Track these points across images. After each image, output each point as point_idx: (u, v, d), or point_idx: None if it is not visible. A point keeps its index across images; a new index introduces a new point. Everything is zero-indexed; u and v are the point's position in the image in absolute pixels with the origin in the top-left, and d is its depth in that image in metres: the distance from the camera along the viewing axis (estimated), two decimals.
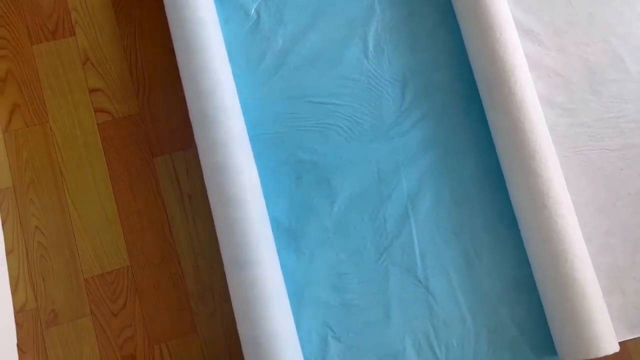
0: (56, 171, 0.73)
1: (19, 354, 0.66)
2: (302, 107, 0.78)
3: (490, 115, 0.77)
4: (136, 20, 0.80)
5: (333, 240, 0.74)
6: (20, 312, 0.68)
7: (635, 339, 0.72)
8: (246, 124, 0.74)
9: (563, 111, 0.83)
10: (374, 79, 0.80)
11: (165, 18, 0.75)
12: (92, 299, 0.71)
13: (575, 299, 0.69)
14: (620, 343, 0.70)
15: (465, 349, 0.70)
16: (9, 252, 0.71)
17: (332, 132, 0.77)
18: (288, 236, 0.72)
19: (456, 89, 0.82)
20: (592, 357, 0.67)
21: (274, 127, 0.77)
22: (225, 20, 0.79)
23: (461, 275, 0.75)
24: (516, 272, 0.76)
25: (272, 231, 0.70)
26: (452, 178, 0.79)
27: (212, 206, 0.65)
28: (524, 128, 0.75)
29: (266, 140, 0.76)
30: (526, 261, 0.76)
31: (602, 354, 0.67)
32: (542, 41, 0.86)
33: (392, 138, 0.79)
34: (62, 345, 0.67)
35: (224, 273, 0.69)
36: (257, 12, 0.80)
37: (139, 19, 0.80)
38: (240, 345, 0.63)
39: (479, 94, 0.82)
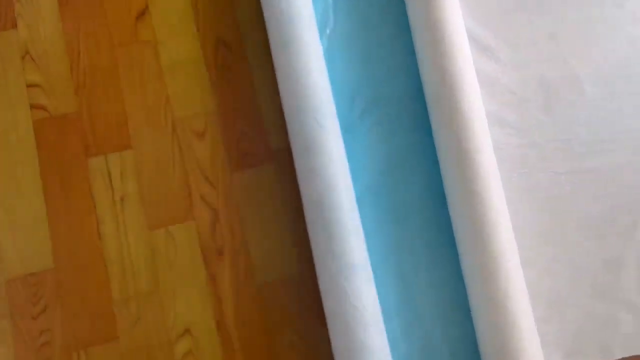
0: None
1: None
2: None
3: (434, 132, 0.75)
4: (81, 17, 0.78)
5: None
6: None
7: None
8: None
9: (513, 130, 0.82)
10: None
11: (110, 15, 0.73)
12: (12, 301, 0.69)
13: (506, 328, 0.67)
14: None
15: None
16: None
17: None
18: None
19: (406, 104, 0.80)
20: None
21: None
22: None
23: (397, 295, 0.73)
24: (453, 292, 0.73)
25: None
26: (395, 194, 0.76)
27: None
28: (466, 147, 0.73)
29: None
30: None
31: None
32: (499, 58, 0.85)
33: None
34: None
35: (149, 280, 0.67)
36: None
37: (85, 15, 0.78)
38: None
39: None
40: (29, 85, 0.81)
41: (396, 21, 0.87)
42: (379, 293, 0.74)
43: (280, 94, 0.77)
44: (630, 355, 0.77)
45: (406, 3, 0.84)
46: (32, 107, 0.81)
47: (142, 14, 0.84)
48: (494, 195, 0.76)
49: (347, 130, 0.82)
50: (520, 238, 0.81)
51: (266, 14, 0.79)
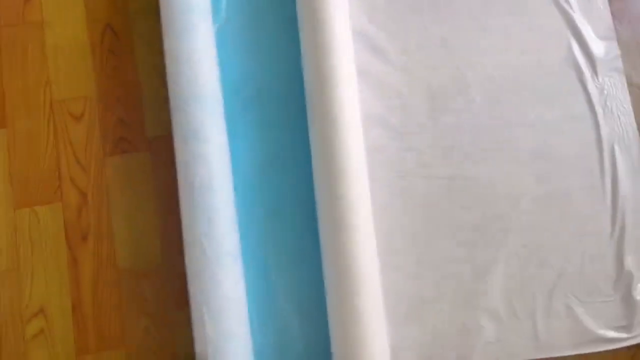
0: None
1: None
2: None
3: (310, 130, 0.76)
4: None
5: None
6: None
7: None
8: None
9: (396, 133, 0.84)
10: None
11: None
12: None
13: (356, 331, 0.68)
14: None
15: None
16: None
17: None
18: None
19: (287, 101, 0.80)
20: None
21: None
22: None
23: (259, 287, 0.73)
24: (314, 290, 0.74)
25: None
26: (268, 190, 0.77)
27: None
28: (334, 149, 0.73)
29: None
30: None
31: None
32: (390, 60, 0.87)
33: None
34: None
35: (9, 258, 0.68)
36: None
37: None
38: None
39: None
40: None
41: (287, 16, 0.87)
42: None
43: (168, 80, 0.78)
44: None
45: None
46: None
47: None
48: (359, 198, 0.76)
49: (230, 120, 0.82)
50: (390, 241, 0.82)
51: (161, 1, 0.79)
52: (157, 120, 0.84)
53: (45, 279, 0.79)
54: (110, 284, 0.79)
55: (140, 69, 0.86)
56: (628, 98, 0.91)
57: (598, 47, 0.93)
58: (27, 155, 0.82)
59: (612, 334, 0.82)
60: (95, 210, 0.81)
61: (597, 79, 0.92)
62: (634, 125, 0.90)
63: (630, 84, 0.91)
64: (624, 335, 0.83)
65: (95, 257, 0.80)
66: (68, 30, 0.87)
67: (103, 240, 0.80)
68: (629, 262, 0.86)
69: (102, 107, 0.85)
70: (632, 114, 0.91)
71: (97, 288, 0.79)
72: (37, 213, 0.81)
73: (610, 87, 0.92)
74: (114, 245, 0.80)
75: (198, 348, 0.70)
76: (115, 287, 0.79)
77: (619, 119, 0.91)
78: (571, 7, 0.94)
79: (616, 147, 0.90)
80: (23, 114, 0.83)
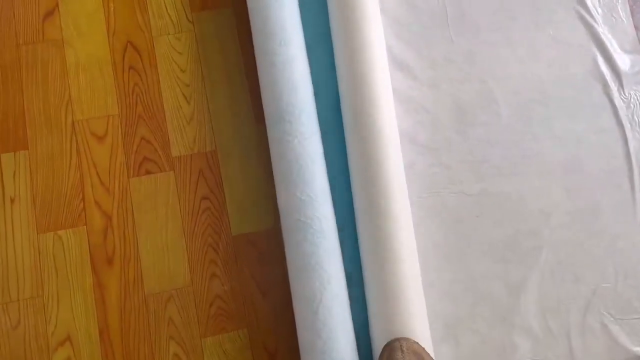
0: None
1: None
2: None
3: (348, 146, 0.75)
4: None
5: None
6: None
7: None
8: None
9: (425, 149, 0.84)
10: None
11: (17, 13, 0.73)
12: None
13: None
14: None
15: None
16: None
17: None
18: None
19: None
20: None
21: None
22: None
23: None
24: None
25: None
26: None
27: None
28: (376, 163, 0.73)
29: None
30: None
31: None
32: (416, 76, 0.88)
33: None
34: None
35: (33, 284, 0.66)
36: None
37: None
38: None
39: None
40: None
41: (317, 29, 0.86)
42: None
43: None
44: None
45: (331, 24, 0.87)
46: None
47: (51, 13, 0.86)
48: (399, 216, 0.76)
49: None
50: (424, 259, 0.81)
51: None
52: (181, 139, 0.83)
53: (71, 305, 0.77)
54: (137, 308, 0.77)
55: (163, 85, 0.86)
56: None
57: (623, 61, 0.94)
58: (50, 177, 0.81)
59: None
60: (120, 232, 0.80)
61: (624, 92, 0.93)
62: None
63: None
64: None
65: (122, 281, 0.78)
66: (89, 48, 0.86)
67: (129, 264, 0.79)
68: None
69: (125, 126, 0.84)
70: None
71: (124, 313, 0.77)
72: (61, 237, 0.79)
73: (637, 100, 0.93)
74: (140, 268, 0.79)
75: None
76: (143, 312, 0.77)
77: None
78: (595, 21, 0.95)
79: None
80: (45, 134, 0.82)
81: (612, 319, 0.84)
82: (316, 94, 0.84)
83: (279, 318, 0.79)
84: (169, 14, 0.89)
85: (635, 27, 0.95)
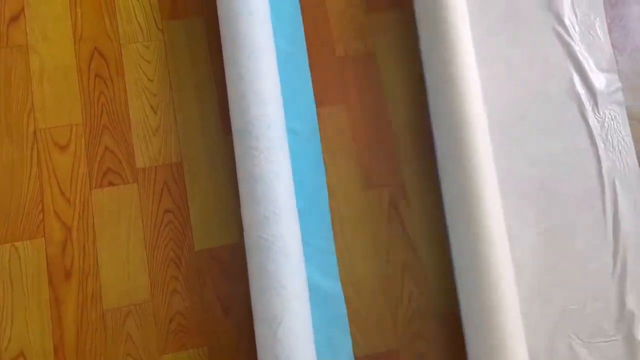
0: None
1: None
2: None
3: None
4: None
5: None
6: None
7: None
8: None
9: None
10: None
11: None
12: None
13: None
14: None
15: None
16: None
17: None
18: None
19: None
20: None
21: None
22: None
23: None
24: None
25: None
26: None
27: None
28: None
29: None
30: None
31: None
32: None
33: None
34: None
35: None
36: None
37: None
38: None
39: None
40: None
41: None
42: None
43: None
44: None
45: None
46: None
47: (16, 17, 0.85)
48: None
49: None
50: None
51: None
52: (146, 150, 0.82)
53: (26, 319, 0.75)
54: (95, 324, 0.76)
55: (129, 94, 0.85)
56: (629, 132, 0.92)
57: (599, 80, 0.93)
58: (9, 186, 0.79)
59: None
60: (80, 245, 0.78)
61: (598, 112, 0.92)
62: (635, 160, 0.90)
63: (631, 118, 0.92)
64: None
65: (80, 296, 0.76)
66: (54, 54, 0.84)
67: (88, 278, 0.77)
68: (631, 301, 0.85)
69: (89, 135, 0.82)
70: (633, 148, 0.92)
71: (81, 329, 0.75)
72: (17, 249, 0.77)
73: (611, 120, 0.92)
74: (99, 282, 0.77)
75: None
76: (100, 328, 0.76)
77: (620, 153, 0.91)
78: (573, 39, 0.94)
79: (617, 183, 0.89)
80: (5, 142, 0.80)
81: (580, 342, 0.83)
82: (286, 106, 0.83)
83: (241, 336, 0.77)
84: (138, 21, 0.87)
85: (613, 46, 0.94)
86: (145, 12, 0.87)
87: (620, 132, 0.92)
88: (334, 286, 0.81)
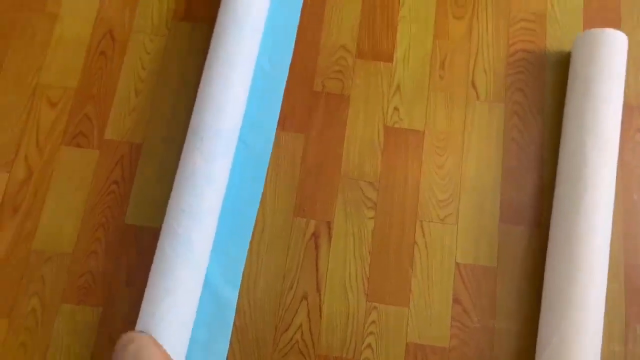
0: None
1: None
2: None
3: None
4: None
5: None
6: None
7: None
8: None
9: None
10: None
11: None
12: None
13: None
14: None
15: None
16: None
17: None
18: None
19: None
20: None
21: None
22: None
23: None
24: None
25: None
26: None
27: None
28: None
29: None
30: None
31: None
32: None
33: None
34: None
35: None
36: None
37: None
38: None
39: None
40: None
41: None
42: None
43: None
44: None
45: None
46: None
47: None
48: None
49: None
50: None
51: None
52: (118, 126, 0.93)
53: None
54: (18, 259, 0.86)
55: (122, 75, 0.97)
56: None
57: None
58: None
59: None
60: (34, 189, 0.89)
61: None
62: None
63: None
64: None
65: (16, 232, 0.87)
66: (75, 27, 0.98)
67: (29, 217, 0.88)
68: None
69: (76, 100, 0.95)
70: None
71: (7, 260, 0.86)
72: None
73: None
74: (36, 225, 0.88)
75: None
76: (22, 264, 0.86)
77: None
78: None
79: None
80: (10, 87, 0.94)
81: None
82: (247, 118, 0.92)
83: (132, 307, 0.85)
84: (152, 17, 1.00)
85: None
86: (161, 11, 1.00)
87: None
88: (230, 293, 0.86)
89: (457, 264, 0.89)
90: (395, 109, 0.95)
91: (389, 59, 0.98)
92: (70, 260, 0.87)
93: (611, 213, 0.85)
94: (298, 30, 0.99)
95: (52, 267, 0.87)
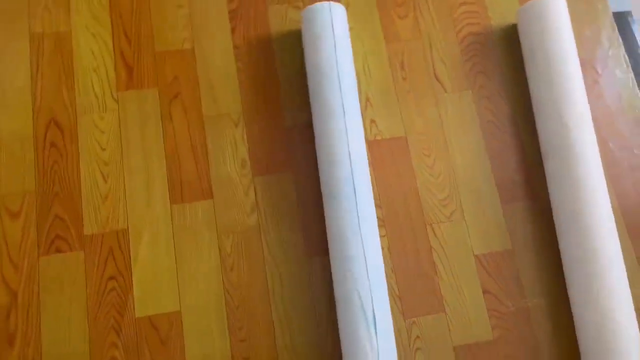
0: None
1: None
2: None
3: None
4: None
5: None
6: None
7: None
8: None
9: None
10: None
11: None
12: None
13: None
14: None
15: None
16: None
17: None
18: None
19: None
20: None
21: None
22: None
23: None
24: None
25: None
26: None
27: None
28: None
29: None
30: None
31: None
32: None
33: None
34: None
35: None
36: None
37: None
38: None
39: None
40: None
41: None
42: None
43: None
44: None
45: None
46: None
47: None
48: None
49: None
50: None
51: None
52: (95, 217, 0.86)
53: None
54: None
55: (82, 163, 0.89)
56: None
57: None
58: None
59: None
60: (24, 312, 0.81)
61: None
62: None
63: None
64: None
65: None
66: (12, 125, 0.89)
67: (30, 345, 0.80)
68: None
69: (40, 203, 0.86)
70: None
71: None
72: None
73: None
74: (40, 350, 0.80)
75: None
76: None
77: None
78: None
79: None
80: None
81: None
82: None
83: None
84: (95, 91, 0.94)
85: None
86: (102, 83, 0.94)
87: None
88: None
89: (476, 256, 0.91)
90: (372, 121, 0.96)
91: None
92: None
93: (602, 171, 0.89)
94: None
95: None
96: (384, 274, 0.81)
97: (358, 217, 0.80)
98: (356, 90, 0.88)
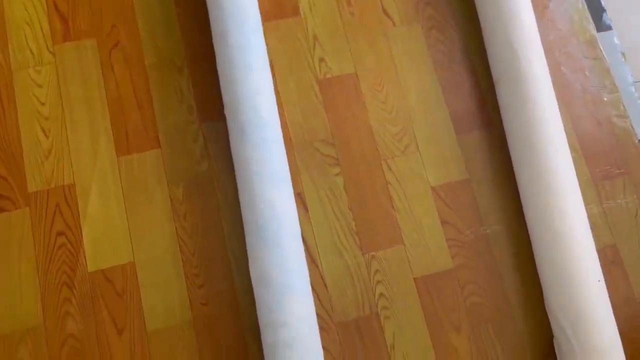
0: None
1: None
2: None
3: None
4: None
5: None
6: None
7: None
8: None
9: None
10: None
11: None
12: None
13: None
14: None
15: None
16: None
17: None
18: None
19: None
20: None
21: None
22: None
23: None
24: None
25: None
26: None
27: None
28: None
29: None
30: None
31: None
32: None
33: None
34: None
35: None
36: None
37: None
38: None
39: None
40: None
41: None
42: None
43: None
44: None
45: None
46: None
47: None
48: None
49: None
50: None
51: None
52: (39, 174, 0.84)
53: None
54: None
55: (21, 120, 0.86)
56: None
57: None
58: None
59: None
60: None
61: None
62: None
63: None
64: None
65: None
66: None
67: None
68: None
69: None
70: None
71: None
72: None
73: None
74: None
75: None
76: None
77: None
78: None
79: None
80: None
81: None
82: None
83: (133, 355, 0.79)
84: (29, 47, 0.90)
85: None
86: (36, 37, 0.90)
87: None
88: None
89: (433, 188, 0.90)
90: (321, 59, 0.94)
91: (295, 12, 0.96)
92: (44, 332, 0.79)
93: (554, 95, 0.89)
94: None
95: (27, 348, 0.78)
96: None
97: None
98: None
